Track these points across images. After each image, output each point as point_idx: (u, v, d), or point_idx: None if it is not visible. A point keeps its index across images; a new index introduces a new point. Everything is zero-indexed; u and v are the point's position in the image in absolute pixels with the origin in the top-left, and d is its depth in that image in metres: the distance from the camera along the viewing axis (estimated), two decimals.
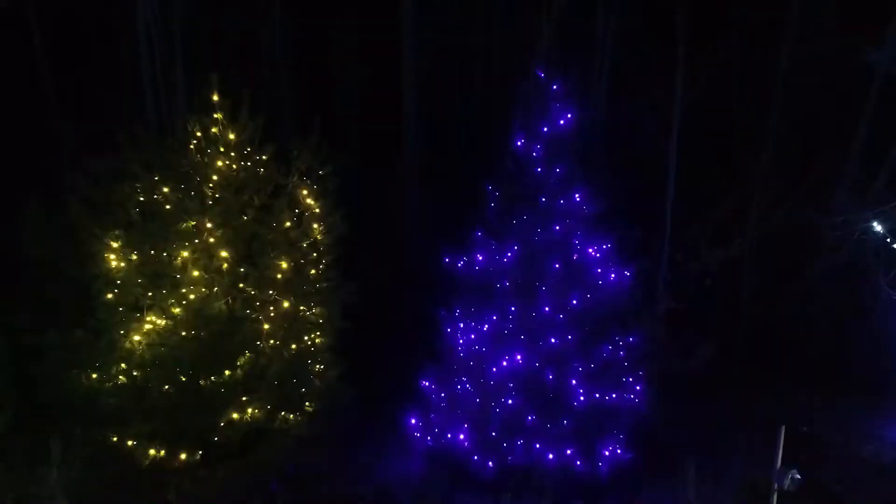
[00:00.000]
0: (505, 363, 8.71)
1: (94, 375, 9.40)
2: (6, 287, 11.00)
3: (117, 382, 9.14)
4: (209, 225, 8.42)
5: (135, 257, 8.56)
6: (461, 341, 9.44)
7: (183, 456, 8.78)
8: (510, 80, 18.25)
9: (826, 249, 12.88)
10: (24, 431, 9.58)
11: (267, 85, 18.43)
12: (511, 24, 18.50)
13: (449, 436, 9.07)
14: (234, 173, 8.71)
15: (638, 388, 9.21)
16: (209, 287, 8.64)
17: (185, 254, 8.46)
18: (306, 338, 9.24)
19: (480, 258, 9.20)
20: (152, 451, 8.65)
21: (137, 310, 9.07)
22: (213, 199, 8.63)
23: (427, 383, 9.79)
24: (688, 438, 9.75)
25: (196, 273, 8.55)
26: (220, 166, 8.58)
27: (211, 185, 8.64)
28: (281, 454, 9.38)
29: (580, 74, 13.04)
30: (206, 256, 8.59)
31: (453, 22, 19.25)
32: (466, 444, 8.92)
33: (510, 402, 8.68)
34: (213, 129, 8.84)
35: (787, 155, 13.08)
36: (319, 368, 9.50)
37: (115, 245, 8.56)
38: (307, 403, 9.58)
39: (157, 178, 8.82)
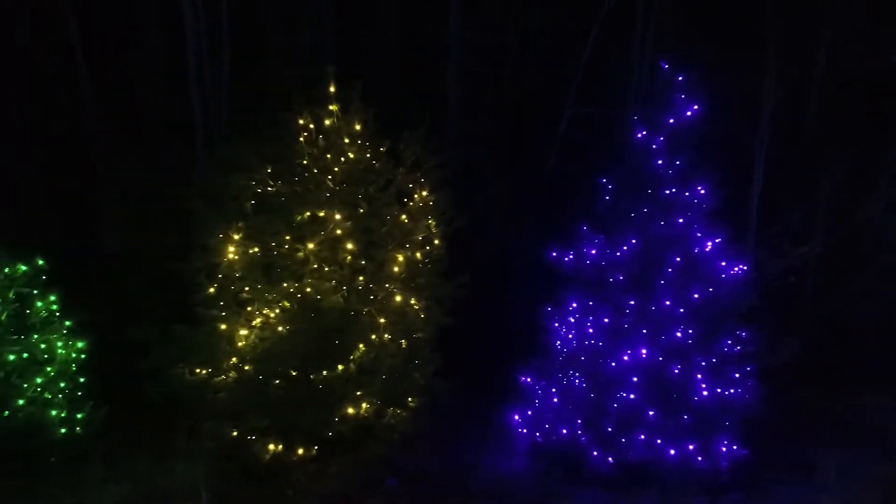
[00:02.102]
0: (626, 357, 8.64)
1: (199, 370, 9.33)
2: (88, 283, 10.90)
3: (227, 377, 9.04)
4: (338, 217, 8.32)
5: (255, 249, 8.44)
6: (570, 336, 9.37)
7: (300, 451, 8.66)
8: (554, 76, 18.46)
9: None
10: (121, 427, 9.50)
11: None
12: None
13: (564, 431, 8.98)
14: (352, 165, 8.60)
15: (749, 383, 9.16)
16: (327, 279, 8.53)
17: (312, 245, 8.35)
18: (414, 333, 9.13)
19: (594, 252, 9.14)
20: (271, 446, 8.52)
21: (248, 303, 8.98)
22: (333, 190, 8.52)
23: (530, 379, 9.72)
24: (796, 434, 9.71)
25: (316, 265, 8.44)
26: (340, 158, 8.47)
27: (330, 176, 8.53)
28: (389, 450, 9.29)
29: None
30: (328, 248, 8.49)
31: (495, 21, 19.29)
32: (583, 439, 8.85)
33: (632, 396, 8.60)
34: (328, 121, 8.75)
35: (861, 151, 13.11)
36: (421, 364, 9.39)
37: (236, 237, 8.45)
38: (409, 399, 9.48)
39: (269, 171, 8.73)
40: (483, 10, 19.13)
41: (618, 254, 9.05)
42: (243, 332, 9.07)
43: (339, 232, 8.40)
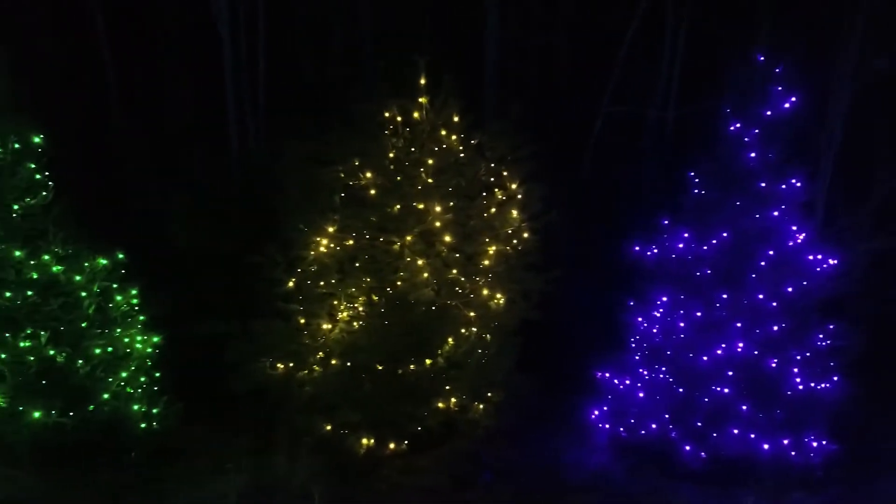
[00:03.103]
0: (720, 351, 8.57)
1: (280, 365, 9.29)
2: (159, 279, 10.81)
3: (312, 371, 8.98)
4: (438, 208, 8.26)
5: (350, 242, 8.38)
6: (655, 330, 9.32)
7: (392, 445, 8.59)
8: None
9: None
10: (195, 422, 9.44)
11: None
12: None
13: (654, 426, 8.91)
14: (446, 157, 8.54)
15: (836, 377, 9.09)
16: (420, 273, 8.47)
17: (410, 238, 8.29)
18: (500, 326, 9.06)
19: (680, 246, 9.08)
20: (365, 440, 8.45)
21: (334, 297, 8.92)
22: (426, 183, 8.46)
23: (609, 374, 9.67)
24: (886, 429, 9.63)
25: (409, 258, 8.38)
26: (434, 150, 8.41)
27: (422, 169, 8.47)
28: (473, 445, 9.23)
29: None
30: (423, 241, 8.43)
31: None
32: (673, 434, 8.78)
33: (726, 390, 8.53)
34: (416, 114, 8.70)
35: None
36: (505, 358, 9.33)
37: (331, 229, 8.39)
38: (489, 394, 9.42)
39: (357, 164, 8.68)
40: (520, 9, 19.15)
41: (705, 247, 8.98)
42: (327, 325, 9.02)
43: (437, 224, 8.34)
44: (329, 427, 8.48)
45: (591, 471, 8.86)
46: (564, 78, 19.08)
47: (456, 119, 8.48)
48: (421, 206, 8.30)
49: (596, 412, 9.71)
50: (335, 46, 20.33)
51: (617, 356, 9.72)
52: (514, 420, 9.62)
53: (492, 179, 8.91)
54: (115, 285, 9.17)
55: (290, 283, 9.25)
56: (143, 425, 9.19)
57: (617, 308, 9.81)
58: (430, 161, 8.44)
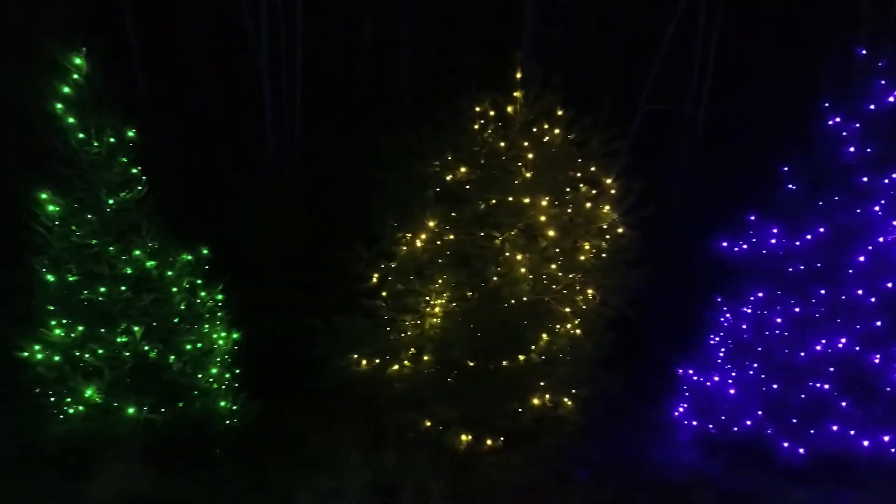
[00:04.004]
0: (819, 347, 8.49)
1: (365, 362, 9.24)
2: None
3: (403, 368, 8.93)
4: (544, 203, 8.19)
5: (451, 237, 8.32)
6: (744, 326, 9.25)
7: (489, 442, 8.52)
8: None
9: None
10: (274, 418, 9.37)
11: None
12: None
13: (748, 423, 8.84)
14: (546, 152, 8.47)
15: None
16: (518, 268, 8.40)
17: (513, 232, 8.22)
18: (593, 322, 8.99)
19: (772, 242, 9.00)
20: (464, 437, 8.38)
21: (426, 292, 8.87)
22: (525, 177, 8.39)
23: (693, 371, 9.61)
24: None
25: (508, 253, 8.31)
26: (535, 144, 8.34)
27: (521, 163, 8.41)
28: (562, 441, 9.16)
29: None
30: (525, 236, 8.36)
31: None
32: (769, 431, 8.70)
33: (826, 386, 8.45)
34: (510, 108, 8.63)
35: None
36: (596, 354, 9.26)
37: (431, 224, 8.33)
38: (574, 391, 9.35)
39: (451, 158, 8.62)
40: (557, 5, 19.10)
41: (797, 243, 8.91)
42: (415, 321, 8.96)
43: (542, 219, 8.27)
44: (428, 423, 8.39)
45: (686, 468, 8.76)
46: (599, 76, 19.04)
47: (560, 112, 8.39)
48: (526, 201, 8.22)
49: (680, 409, 9.64)
50: (369, 44, 20.36)
51: (698, 353, 9.67)
52: (597, 416, 9.55)
53: (584, 174, 8.83)
54: (198, 281, 9.12)
55: (375, 279, 9.22)
56: (227, 422, 9.16)
57: (696, 304, 9.78)
58: (531, 155, 8.37)
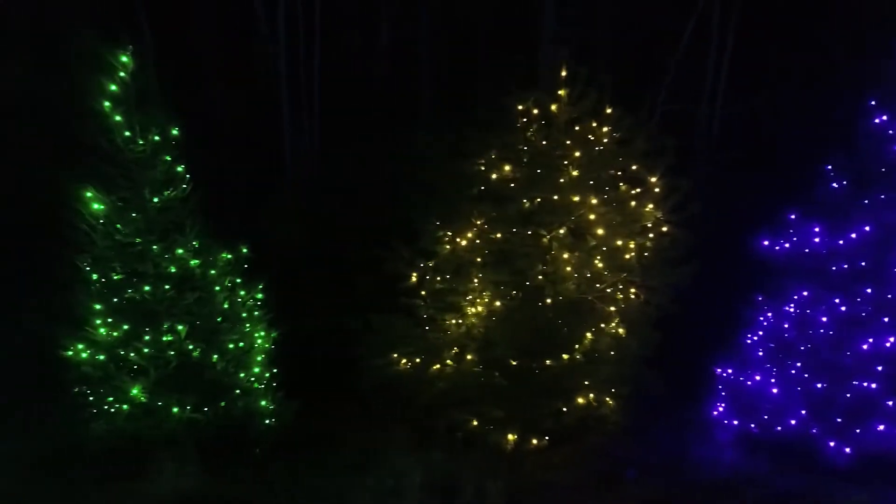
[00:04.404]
0: (866, 346, 8.46)
1: (404, 361, 9.21)
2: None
3: (445, 367, 8.89)
4: (594, 201, 8.17)
5: (498, 235, 8.29)
6: (786, 325, 9.22)
7: (535, 441, 8.49)
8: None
9: None
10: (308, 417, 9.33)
11: None
12: None
13: (792, 422, 8.80)
14: (592, 150, 8.45)
15: None
16: (564, 266, 8.37)
17: (562, 231, 8.19)
18: (636, 321, 8.96)
19: (816, 240, 8.98)
20: (511, 436, 8.35)
21: (469, 291, 8.84)
22: (571, 175, 8.36)
23: (730, 371, 9.58)
24: None
25: (555, 252, 8.28)
26: (580, 142, 8.32)
27: (566, 161, 8.38)
28: (605, 440, 9.13)
29: None
30: (573, 235, 8.33)
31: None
32: (814, 430, 8.67)
33: (873, 385, 8.42)
34: (553, 107, 8.61)
35: None
36: (638, 353, 9.22)
37: (479, 222, 8.30)
38: (617, 390, 9.31)
39: (494, 157, 8.59)
40: (575, 6, 19.07)
41: (840, 241, 8.88)
42: (456, 320, 8.93)
43: (592, 217, 8.24)
44: (475, 423, 8.35)
45: (731, 468, 8.73)
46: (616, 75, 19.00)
47: (608, 110, 8.37)
48: (576, 199, 8.19)
49: (719, 408, 9.61)
50: (387, 44, 20.33)
51: (737, 352, 9.63)
52: (637, 415, 9.52)
53: (629, 172, 8.80)
54: (237, 280, 9.09)
55: (414, 278, 9.20)
56: (266, 421, 9.12)
57: (734, 302, 9.74)
58: (577, 153, 8.34)
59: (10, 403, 9.29)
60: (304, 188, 14.58)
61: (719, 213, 10.69)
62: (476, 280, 8.70)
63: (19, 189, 11.29)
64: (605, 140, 8.51)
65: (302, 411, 9.21)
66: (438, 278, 8.95)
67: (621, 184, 8.66)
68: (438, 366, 8.88)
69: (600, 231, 8.37)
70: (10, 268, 10.41)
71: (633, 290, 8.94)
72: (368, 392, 9.43)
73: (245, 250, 9.10)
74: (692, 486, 8.22)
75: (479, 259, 8.65)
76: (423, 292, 9.28)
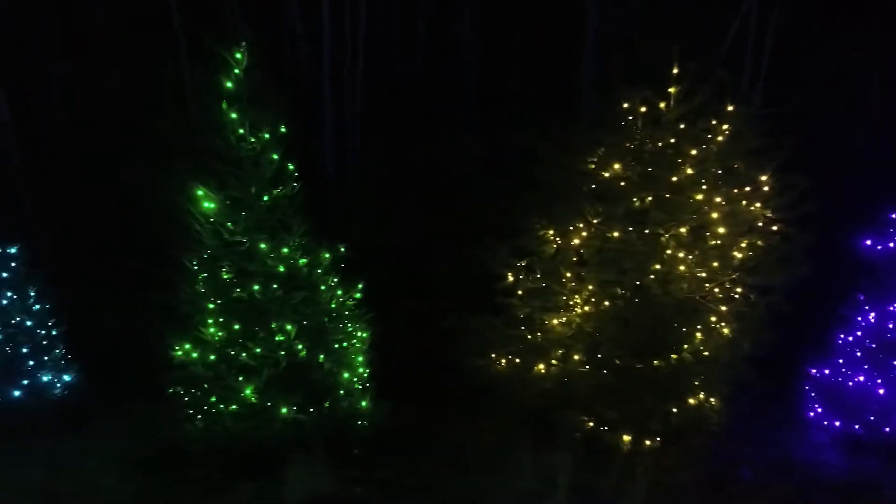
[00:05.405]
0: None
1: (503, 360, 9.13)
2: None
3: (549, 367, 8.82)
4: (718, 199, 8.09)
5: (616, 234, 8.21)
6: (891, 325, 9.15)
7: (647, 442, 8.41)
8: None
9: None
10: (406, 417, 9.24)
11: None
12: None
13: None
14: (706, 147, 8.38)
15: None
16: (678, 265, 8.29)
17: (683, 230, 8.12)
18: (744, 321, 8.88)
19: None
20: (626, 437, 8.27)
21: (576, 291, 8.76)
22: (685, 174, 8.29)
23: (828, 371, 9.51)
24: None
25: (670, 251, 8.21)
26: (696, 140, 8.25)
27: (680, 160, 8.31)
28: (709, 441, 9.04)
29: None
30: (691, 234, 8.26)
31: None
32: None
33: None
34: (662, 104, 8.54)
35: None
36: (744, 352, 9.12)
37: (595, 221, 8.23)
38: (725, 390, 9.22)
39: (603, 155, 8.52)
40: (617, 4, 19.01)
41: None
42: (559, 320, 8.86)
43: (715, 216, 8.16)
44: (590, 424, 8.27)
45: (842, 469, 8.63)
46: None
47: (731, 108, 8.30)
48: (699, 197, 8.11)
49: (817, 409, 9.54)
50: (428, 44, 20.26)
51: (835, 352, 9.56)
52: (740, 416, 9.44)
53: (740, 169, 8.72)
54: (335, 279, 9.00)
55: (512, 278, 9.13)
56: (361, 422, 9.04)
57: (829, 302, 9.67)
58: (693, 151, 8.26)
59: (114, 402, 9.27)
60: (362, 187, 14.48)
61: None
62: (578, 280, 8.62)
63: (128, 189, 11.30)
64: (720, 137, 8.42)
65: (394, 412, 9.13)
66: (539, 277, 8.87)
67: (735, 181, 8.56)
68: (543, 366, 8.78)
69: (721, 230, 8.29)
70: (118, 267, 10.37)
71: (741, 290, 8.84)
72: (465, 393, 9.34)
73: (342, 249, 8.99)
74: (810, 486, 8.11)
75: (585, 258, 8.56)
76: (519, 291, 9.19)
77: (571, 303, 8.74)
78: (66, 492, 7.24)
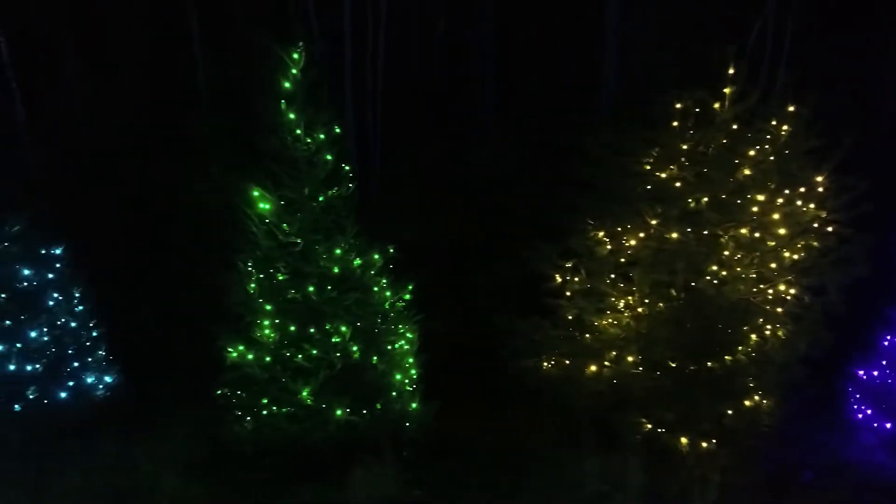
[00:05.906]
0: None
1: (553, 361, 9.09)
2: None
3: (602, 369, 8.77)
4: (780, 200, 8.05)
5: (674, 235, 8.16)
6: None
7: (703, 444, 8.37)
8: None
9: None
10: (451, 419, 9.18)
11: None
12: None
13: None
14: (764, 148, 8.34)
15: None
16: (735, 266, 8.25)
17: (744, 231, 8.08)
18: (799, 322, 8.83)
19: None
20: (684, 439, 8.22)
21: (627, 292, 8.73)
22: (743, 175, 8.25)
23: (876, 372, 9.49)
24: None
25: (728, 252, 8.17)
26: (754, 142, 8.22)
27: (737, 160, 8.27)
28: (761, 442, 8.99)
29: None
30: (750, 235, 8.22)
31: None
32: None
33: None
34: (716, 105, 8.50)
35: None
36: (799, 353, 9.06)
37: (654, 222, 8.18)
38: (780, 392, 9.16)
39: (658, 155, 8.49)
40: (637, 5, 18.96)
41: None
42: (614, 321, 8.82)
43: (776, 217, 8.12)
44: (649, 426, 8.23)
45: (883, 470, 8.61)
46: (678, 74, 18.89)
47: (791, 108, 8.26)
48: (761, 198, 8.08)
49: (865, 410, 9.51)
50: (446, 45, 20.19)
51: (882, 354, 9.54)
52: (790, 417, 9.38)
53: (795, 171, 8.68)
54: (385, 280, 8.94)
55: (560, 279, 9.09)
56: (409, 423, 8.98)
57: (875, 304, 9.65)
58: (751, 152, 8.23)
59: (158, 404, 9.21)
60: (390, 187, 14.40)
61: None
62: (628, 279, 8.58)
63: (179, 190, 11.22)
64: (779, 138, 8.38)
65: (440, 413, 9.07)
66: (588, 278, 8.82)
67: (790, 183, 8.52)
68: (595, 367, 8.73)
69: (782, 231, 8.24)
70: (172, 268, 10.30)
71: (794, 291, 8.80)
72: (512, 394, 9.29)
73: (391, 250, 8.92)
74: (862, 488, 8.09)
75: (639, 259, 8.52)
76: (567, 293, 9.14)
77: (621, 304, 8.68)
78: (132, 493, 7.16)
